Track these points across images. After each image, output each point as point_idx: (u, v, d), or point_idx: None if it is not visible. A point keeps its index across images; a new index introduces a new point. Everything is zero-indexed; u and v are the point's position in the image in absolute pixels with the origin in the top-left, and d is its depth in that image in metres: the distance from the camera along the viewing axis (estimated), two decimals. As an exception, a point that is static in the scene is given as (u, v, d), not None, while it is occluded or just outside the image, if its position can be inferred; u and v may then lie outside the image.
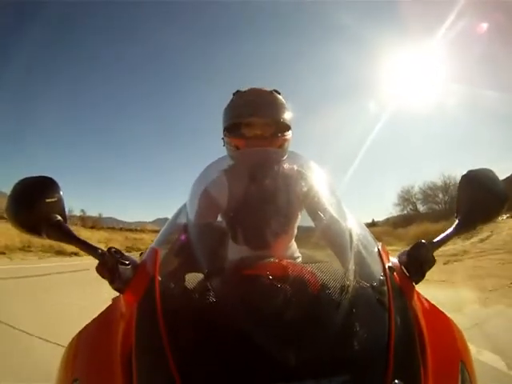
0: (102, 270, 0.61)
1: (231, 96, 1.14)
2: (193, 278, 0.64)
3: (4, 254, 11.09)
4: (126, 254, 0.65)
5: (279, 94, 1.11)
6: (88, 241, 0.67)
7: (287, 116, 1.07)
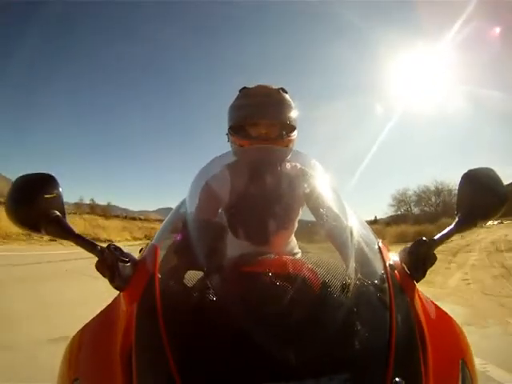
0: (101, 267, 0.61)
1: (236, 93, 1.12)
2: (193, 276, 0.64)
3: (55, 240, 11.62)
4: (126, 251, 0.65)
5: (286, 92, 1.08)
6: (87, 237, 0.66)
7: (293, 116, 1.05)
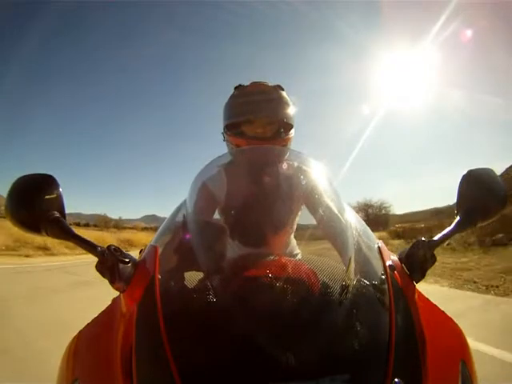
0: (101, 268, 0.60)
1: (229, 91, 1.10)
2: (193, 277, 0.64)
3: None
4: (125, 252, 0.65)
5: (283, 89, 1.07)
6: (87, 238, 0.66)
7: (290, 114, 1.03)
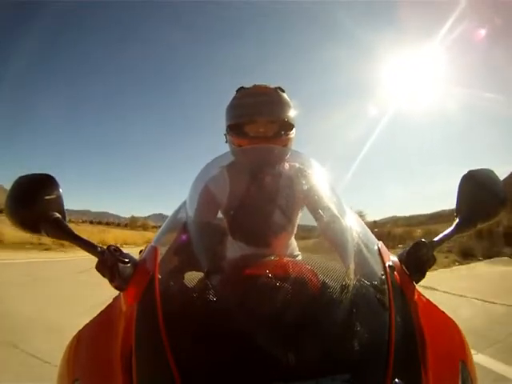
0: (101, 268, 0.60)
1: (232, 94, 1.13)
2: (193, 277, 0.64)
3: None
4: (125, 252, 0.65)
5: (283, 91, 1.10)
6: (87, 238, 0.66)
7: (291, 115, 1.06)
